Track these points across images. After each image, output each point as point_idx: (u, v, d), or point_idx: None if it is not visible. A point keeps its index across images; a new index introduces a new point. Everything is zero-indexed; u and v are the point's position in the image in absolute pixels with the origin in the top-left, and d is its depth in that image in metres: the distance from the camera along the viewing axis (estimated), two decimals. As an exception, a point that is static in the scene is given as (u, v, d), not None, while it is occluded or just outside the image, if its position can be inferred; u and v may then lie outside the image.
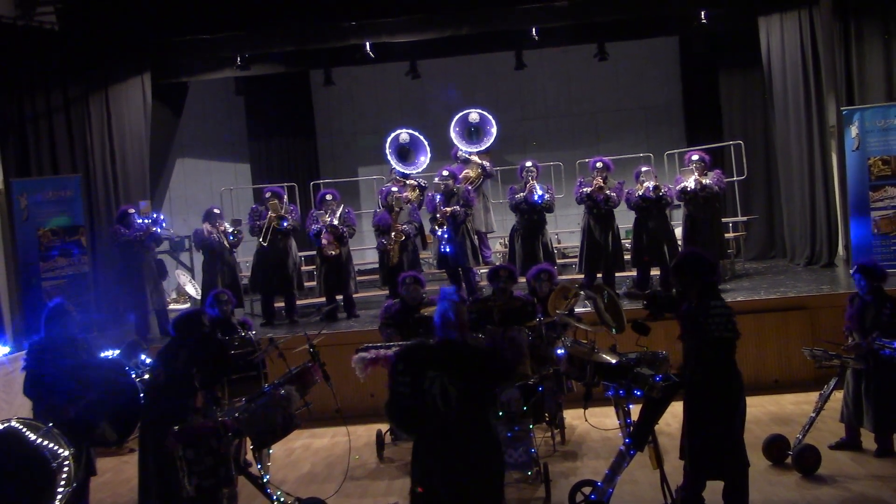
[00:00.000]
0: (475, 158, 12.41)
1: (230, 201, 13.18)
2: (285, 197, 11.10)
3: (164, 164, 13.64)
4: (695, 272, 5.41)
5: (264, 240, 10.57)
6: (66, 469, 5.65)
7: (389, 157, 12.54)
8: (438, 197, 10.58)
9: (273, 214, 10.62)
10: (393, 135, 12.54)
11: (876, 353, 6.42)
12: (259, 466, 6.05)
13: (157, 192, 12.90)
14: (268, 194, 10.91)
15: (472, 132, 12.70)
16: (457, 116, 12.77)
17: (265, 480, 5.98)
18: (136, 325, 10.50)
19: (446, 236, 10.39)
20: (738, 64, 13.81)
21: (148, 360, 6.74)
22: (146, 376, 6.33)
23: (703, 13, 11.93)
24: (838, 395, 6.89)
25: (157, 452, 5.74)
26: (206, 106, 15.33)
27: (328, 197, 10.87)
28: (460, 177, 11.60)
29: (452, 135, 12.67)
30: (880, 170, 10.58)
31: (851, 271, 6.90)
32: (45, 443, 5.61)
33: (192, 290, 12.48)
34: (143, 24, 11.58)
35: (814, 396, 7.02)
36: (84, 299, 10.52)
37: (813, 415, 6.72)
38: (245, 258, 12.69)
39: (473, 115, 12.75)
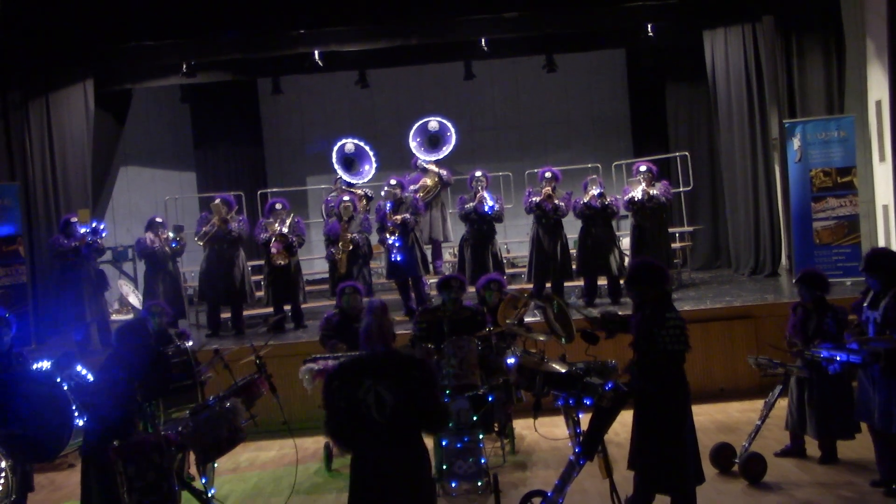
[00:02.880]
0: (433, 168, 12.33)
1: (175, 210, 12.96)
2: (235, 207, 10.92)
3: (107, 172, 13.35)
4: (649, 281, 5.43)
5: (203, 240, 10.39)
6: (1, 481, 5.46)
7: (335, 167, 12.41)
8: (389, 205, 10.51)
9: (217, 217, 10.43)
10: (339, 144, 12.42)
11: (818, 362, 6.51)
12: (204, 481, 5.91)
13: (100, 200, 12.62)
14: (217, 200, 10.73)
15: (432, 140, 12.60)
16: (416, 125, 12.61)
17: (210, 495, 5.85)
18: (78, 339, 10.21)
19: (398, 244, 10.32)
20: (683, 77, 14.04)
21: (84, 372, 6.56)
22: (82, 385, 6.17)
23: (649, 27, 12.10)
24: (783, 403, 6.97)
25: (99, 467, 5.56)
26: (150, 113, 15.09)
27: (277, 206, 10.73)
28: (418, 186, 11.56)
29: (412, 144, 12.51)
30: (822, 181, 10.81)
31: (795, 280, 6.99)
32: None
33: (136, 300, 12.24)
34: (85, 30, 11.33)
35: (759, 404, 7.11)
36: (22, 310, 10.23)
37: (758, 423, 6.79)
38: (190, 268, 12.48)
39: (433, 124, 12.62)
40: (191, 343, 7.73)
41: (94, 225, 10.33)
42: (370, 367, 4.24)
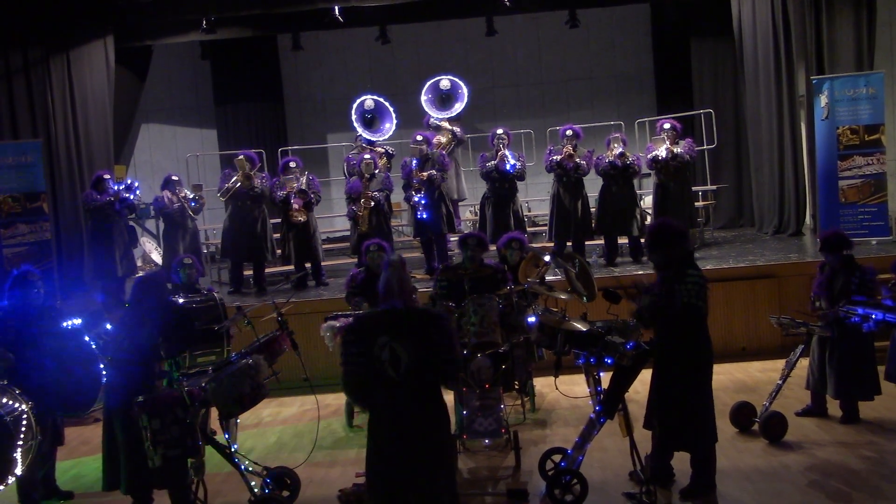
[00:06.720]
0: (446, 125, 12.23)
1: (196, 168, 12.97)
2: (258, 164, 10.89)
3: (128, 129, 13.40)
4: (669, 243, 5.39)
5: (225, 196, 10.40)
6: (24, 422, 5.52)
7: (355, 124, 12.35)
8: (415, 162, 10.43)
9: (241, 174, 10.42)
10: (358, 101, 12.34)
11: (842, 321, 6.45)
12: (227, 436, 5.98)
13: (122, 157, 12.68)
14: (241, 156, 10.71)
15: (444, 99, 12.51)
16: (428, 83, 12.52)
17: (233, 450, 5.91)
18: (103, 295, 10.28)
19: (424, 202, 10.26)
20: (709, 32, 13.80)
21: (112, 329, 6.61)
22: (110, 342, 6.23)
23: (674, -20, 11.89)
24: (805, 363, 6.94)
25: (122, 423, 5.64)
26: (171, 70, 15.06)
27: (291, 164, 10.74)
28: (433, 142, 11.47)
29: (423, 102, 12.42)
30: (849, 139, 10.63)
31: (819, 248, 6.90)
32: None
33: (158, 257, 12.32)
34: (105, -15, 11.31)
35: (780, 364, 7.06)
36: (47, 267, 10.32)
37: (780, 382, 6.75)
38: (210, 225, 12.53)
39: (444, 82, 12.53)
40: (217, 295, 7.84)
41: (128, 182, 10.37)
42: (387, 323, 4.15)
